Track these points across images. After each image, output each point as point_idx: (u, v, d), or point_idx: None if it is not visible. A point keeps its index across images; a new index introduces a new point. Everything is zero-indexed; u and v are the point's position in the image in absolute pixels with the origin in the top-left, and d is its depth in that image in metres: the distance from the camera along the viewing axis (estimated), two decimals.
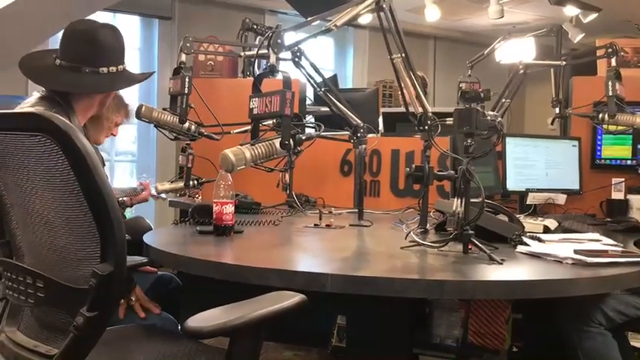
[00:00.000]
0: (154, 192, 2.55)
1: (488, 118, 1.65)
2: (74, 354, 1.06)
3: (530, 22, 6.22)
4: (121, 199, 2.54)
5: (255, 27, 3.18)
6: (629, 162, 2.89)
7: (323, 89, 2.31)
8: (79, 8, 3.93)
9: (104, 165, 2.20)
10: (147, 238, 1.80)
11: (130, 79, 2.01)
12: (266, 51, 1.83)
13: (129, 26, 5.49)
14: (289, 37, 2.03)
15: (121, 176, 5.60)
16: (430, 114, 1.82)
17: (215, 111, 2.42)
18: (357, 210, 2.49)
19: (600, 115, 2.49)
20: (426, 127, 1.82)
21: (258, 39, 3.22)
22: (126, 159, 5.71)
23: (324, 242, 1.97)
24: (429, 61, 7.11)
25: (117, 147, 5.48)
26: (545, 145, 2.83)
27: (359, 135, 2.38)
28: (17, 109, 1.91)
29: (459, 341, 2.14)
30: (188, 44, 2.32)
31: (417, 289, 1.34)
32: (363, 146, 2.43)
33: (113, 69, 1.91)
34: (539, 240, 1.87)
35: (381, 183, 3.10)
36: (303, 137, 1.74)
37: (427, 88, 4.78)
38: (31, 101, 1.85)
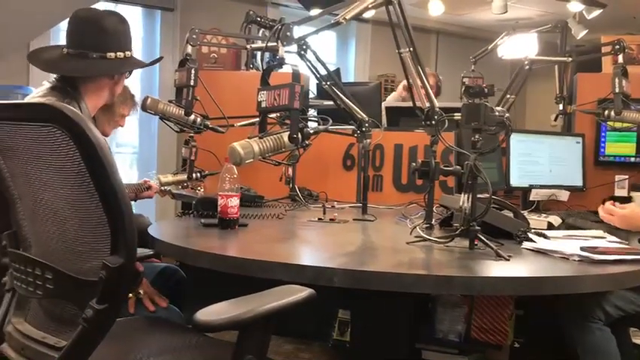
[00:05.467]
0: (157, 185, 2.53)
1: (497, 113, 1.65)
2: (83, 346, 1.06)
3: (533, 17, 6.21)
4: None
5: (259, 19, 3.16)
6: (633, 159, 2.89)
7: (329, 83, 2.30)
8: None
9: None
10: (152, 231, 1.80)
11: (138, 64, 2.00)
12: (274, 44, 1.82)
13: (131, 17, 5.42)
14: (296, 31, 2.02)
15: (121, 168, 5.58)
16: (437, 109, 1.81)
17: (218, 103, 2.40)
18: (359, 204, 2.49)
19: (606, 112, 2.48)
20: (433, 122, 1.81)
21: (261, 31, 3.20)
22: (127, 151, 5.69)
23: (329, 236, 1.97)
24: (431, 56, 7.10)
25: (118, 138, 5.46)
26: (549, 142, 2.82)
27: (364, 129, 2.37)
28: (27, 100, 1.90)
29: (461, 336, 2.15)
30: (194, 36, 2.31)
31: (424, 284, 1.34)
32: (368, 141, 2.42)
33: (120, 54, 1.90)
34: (545, 236, 1.87)
35: (384, 177, 3.09)
36: (311, 131, 1.73)
37: (440, 85, 4.75)
38: (41, 91, 1.84)
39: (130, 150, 5.71)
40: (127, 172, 5.59)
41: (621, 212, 2.10)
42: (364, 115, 2.38)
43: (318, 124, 2.22)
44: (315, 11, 3.39)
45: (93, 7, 2.12)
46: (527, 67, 2.72)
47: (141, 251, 1.64)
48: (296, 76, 1.74)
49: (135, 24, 5.52)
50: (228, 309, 1.09)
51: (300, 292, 1.19)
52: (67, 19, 1.96)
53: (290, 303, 1.15)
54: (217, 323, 1.04)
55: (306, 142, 1.72)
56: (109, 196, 0.99)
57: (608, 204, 2.20)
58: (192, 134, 2.34)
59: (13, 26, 3.91)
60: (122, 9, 5.37)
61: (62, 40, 2.01)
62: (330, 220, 2.20)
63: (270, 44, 1.89)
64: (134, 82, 4.72)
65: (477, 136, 1.63)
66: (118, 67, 1.92)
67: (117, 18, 1.97)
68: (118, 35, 1.92)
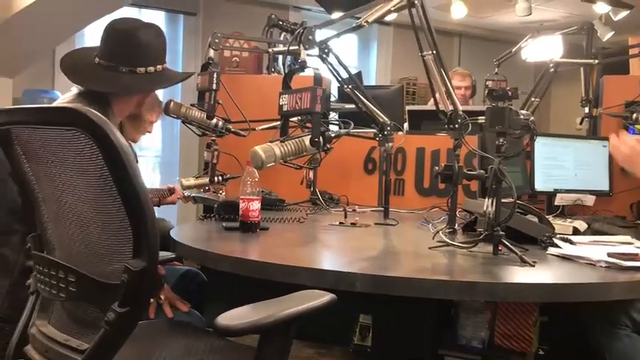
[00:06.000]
0: (181, 191, 2.55)
1: (521, 117, 1.62)
2: (105, 349, 1.06)
3: (558, 19, 6.13)
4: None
5: (280, 23, 3.16)
6: None
7: (350, 86, 2.29)
8: (105, 4, 3.96)
9: (137, 161, 2.19)
10: (173, 234, 1.81)
11: (166, 80, 1.96)
12: (296, 47, 1.81)
13: (154, 21, 5.50)
14: (318, 34, 2.01)
15: (144, 172, 5.63)
16: (461, 112, 1.79)
17: (240, 107, 2.41)
18: (381, 208, 2.47)
19: (634, 115, 2.44)
20: (457, 126, 1.79)
21: (283, 35, 3.20)
22: (150, 154, 5.74)
23: (350, 241, 1.95)
24: (454, 59, 7.05)
25: (141, 142, 5.50)
26: (574, 145, 2.78)
27: (386, 133, 2.36)
28: (54, 105, 1.91)
29: (485, 343, 2.11)
30: (217, 40, 2.31)
31: (447, 290, 1.32)
32: (390, 144, 2.40)
33: (151, 69, 1.88)
34: (570, 242, 1.84)
35: (406, 181, 3.07)
36: (333, 135, 1.72)
37: (475, 85, 4.67)
38: (68, 97, 1.84)
39: (153, 154, 5.76)
40: (150, 176, 5.64)
41: (632, 144, 2.02)
42: (386, 119, 2.37)
43: (340, 128, 2.21)
44: (336, 15, 3.37)
45: (130, 17, 2.08)
46: (552, 69, 2.69)
47: (162, 254, 1.65)
48: (318, 79, 1.73)
49: None
50: (248, 313, 1.09)
51: (321, 297, 1.19)
52: (92, 24, 1.96)
53: (311, 308, 1.14)
54: (238, 328, 1.04)
55: (328, 146, 1.71)
56: (132, 200, 0.99)
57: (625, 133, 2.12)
58: (214, 138, 2.35)
59: (39, 32, 3.97)
60: (145, 14, 5.44)
61: (86, 45, 2.01)
62: (352, 224, 2.19)
63: (292, 48, 1.89)
64: None
65: (501, 140, 1.61)
66: (146, 85, 1.90)
67: (153, 31, 1.95)
68: (150, 49, 1.90)
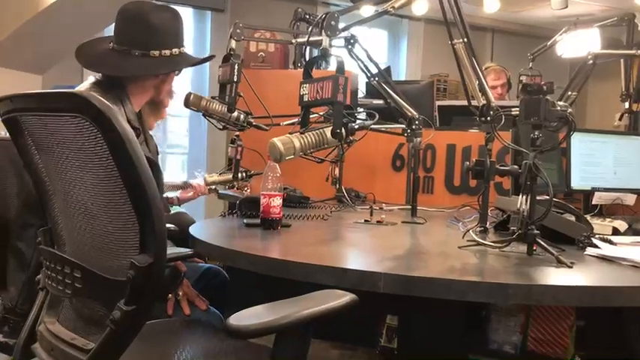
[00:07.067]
0: (203, 184, 2.49)
1: (558, 108, 1.52)
2: (111, 349, 1.00)
3: (595, 13, 5.93)
4: (166, 194, 2.51)
5: (307, 17, 3.09)
6: None
7: (377, 79, 2.20)
8: None
9: (158, 154, 2.15)
10: (193, 230, 1.75)
11: (180, 63, 1.92)
12: (319, 37, 1.74)
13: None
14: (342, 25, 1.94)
15: (172, 169, 5.64)
16: (494, 104, 1.69)
17: (264, 102, 2.35)
18: (409, 206, 2.38)
19: None
20: (489, 118, 1.70)
21: (310, 29, 3.13)
22: (177, 151, 5.74)
23: (375, 239, 1.87)
24: (486, 54, 6.89)
25: (169, 139, 5.51)
26: (613, 142, 2.64)
27: (414, 127, 2.27)
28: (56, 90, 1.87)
29: (517, 348, 2.01)
30: (238, 30, 2.26)
31: (478, 292, 1.23)
32: (418, 139, 2.31)
33: (166, 52, 1.83)
34: (611, 242, 1.73)
35: (435, 179, 2.97)
36: (356, 126, 1.64)
37: (509, 78, 4.55)
38: (83, 87, 1.81)
39: (181, 150, 5.76)
40: (178, 172, 5.64)
41: None
42: (414, 113, 2.28)
43: (368, 120, 2.13)
44: (365, 9, 3.27)
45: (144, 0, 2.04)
46: (590, 61, 2.57)
47: (180, 251, 1.60)
48: (340, 67, 1.64)
49: (186, 25, 5.55)
50: (263, 314, 1.02)
51: (341, 298, 1.11)
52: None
53: (329, 309, 1.07)
54: (250, 329, 0.97)
55: (350, 138, 1.63)
56: (137, 190, 0.93)
57: None
58: (237, 133, 2.29)
59: (68, 28, 3.98)
60: None
61: None
62: (378, 222, 2.10)
63: (315, 38, 1.81)
64: (185, 80, 4.74)
65: (536, 133, 1.50)
66: (158, 67, 1.85)
67: (168, 13, 1.91)
68: (165, 32, 1.85)
